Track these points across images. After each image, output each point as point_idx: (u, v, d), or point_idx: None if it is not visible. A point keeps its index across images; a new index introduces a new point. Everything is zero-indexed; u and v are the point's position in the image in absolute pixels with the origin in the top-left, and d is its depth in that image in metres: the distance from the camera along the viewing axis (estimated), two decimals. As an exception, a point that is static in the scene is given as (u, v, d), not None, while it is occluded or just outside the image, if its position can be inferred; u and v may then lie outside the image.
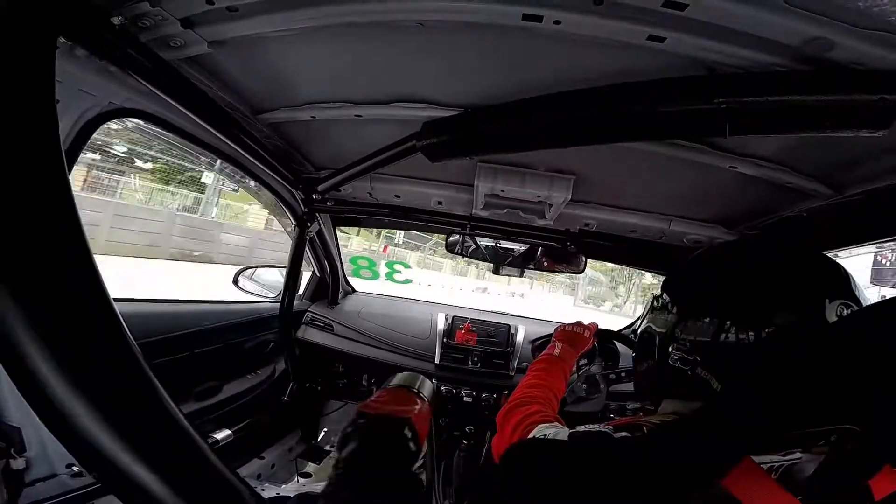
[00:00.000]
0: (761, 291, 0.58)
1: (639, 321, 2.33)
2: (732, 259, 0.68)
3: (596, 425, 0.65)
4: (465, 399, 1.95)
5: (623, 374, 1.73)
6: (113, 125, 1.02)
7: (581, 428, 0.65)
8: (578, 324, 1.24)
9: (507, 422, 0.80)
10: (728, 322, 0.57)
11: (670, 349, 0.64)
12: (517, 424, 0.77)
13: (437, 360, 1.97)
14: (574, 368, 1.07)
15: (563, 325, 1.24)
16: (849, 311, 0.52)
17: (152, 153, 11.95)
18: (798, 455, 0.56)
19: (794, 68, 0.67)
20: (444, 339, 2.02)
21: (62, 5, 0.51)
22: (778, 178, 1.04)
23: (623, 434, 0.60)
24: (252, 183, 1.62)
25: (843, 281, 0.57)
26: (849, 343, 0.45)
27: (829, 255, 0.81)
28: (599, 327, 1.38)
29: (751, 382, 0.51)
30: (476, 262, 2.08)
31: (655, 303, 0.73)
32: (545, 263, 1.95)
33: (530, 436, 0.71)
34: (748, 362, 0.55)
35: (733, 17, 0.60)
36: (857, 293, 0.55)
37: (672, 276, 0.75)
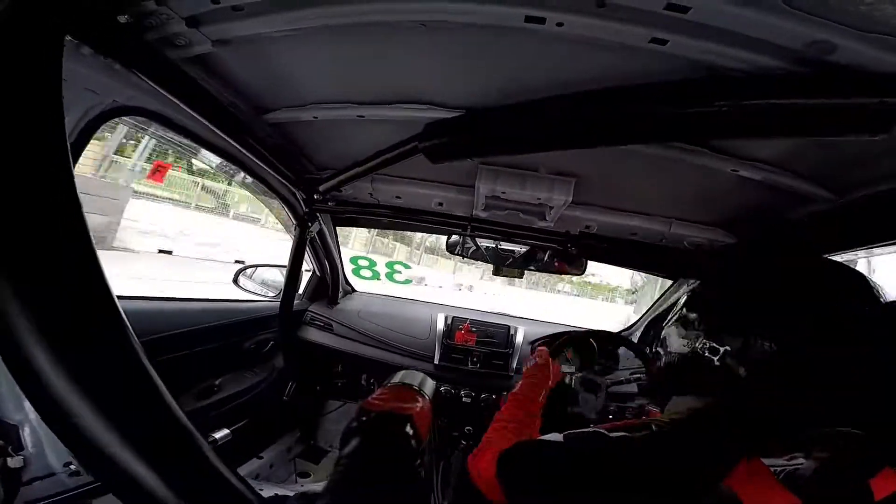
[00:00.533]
0: (786, 299, 0.57)
1: (641, 322, 2.33)
2: (759, 268, 0.68)
3: (589, 428, 0.65)
4: (464, 399, 1.95)
5: (623, 379, 1.73)
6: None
7: (574, 431, 0.65)
8: (539, 353, 1.27)
9: (480, 458, 0.78)
10: (756, 334, 0.57)
11: (698, 344, 0.64)
12: (490, 451, 0.76)
13: (436, 361, 1.97)
14: (541, 398, 1.08)
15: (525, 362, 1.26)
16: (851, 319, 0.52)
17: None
18: (800, 461, 0.56)
19: (795, 71, 0.67)
20: (444, 340, 2.02)
21: (70, 4, 0.52)
22: (779, 181, 1.05)
23: (620, 434, 0.59)
24: (253, 182, 1.62)
25: (866, 290, 0.56)
26: (857, 346, 0.45)
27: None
28: (598, 330, 1.39)
29: (770, 381, 0.51)
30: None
31: (682, 314, 0.73)
32: (545, 265, 1.96)
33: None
34: (770, 367, 0.55)
35: (735, 20, 0.60)
36: (875, 295, 0.55)
37: (698, 289, 0.75)
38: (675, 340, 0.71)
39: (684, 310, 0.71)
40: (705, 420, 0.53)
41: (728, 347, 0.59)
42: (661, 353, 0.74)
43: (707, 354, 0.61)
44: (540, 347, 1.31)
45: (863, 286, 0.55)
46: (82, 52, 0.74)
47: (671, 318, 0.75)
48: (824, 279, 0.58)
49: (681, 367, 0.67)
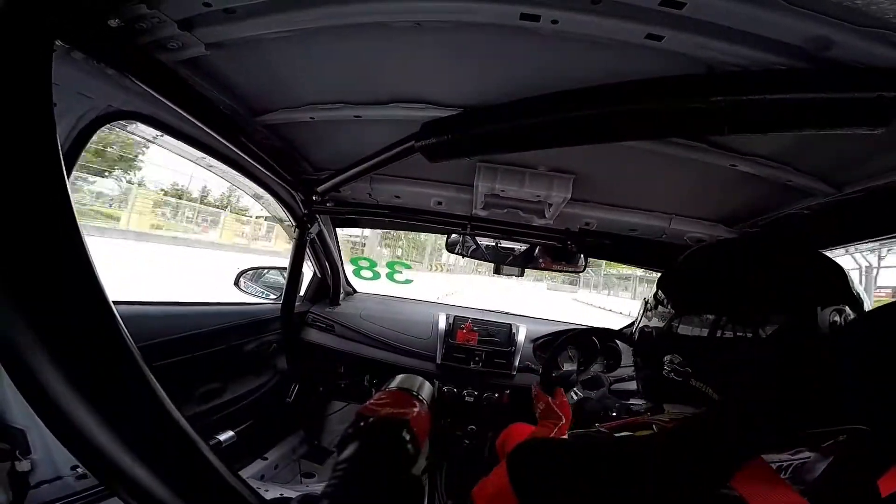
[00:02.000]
0: (759, 292, 0.56)
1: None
2: (729, 257, 0.66)
3: (593, 428, 0.65)
4: (466, 399, 1.95)
5: (626, 376, 1.73)
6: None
7: (579, 431, 0.65)
8: (536, 397, 1.22)
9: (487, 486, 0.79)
10: (723, 322, 0.55)
11: (664, 360, 0.62)
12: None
13: (438, 360, 1.97)
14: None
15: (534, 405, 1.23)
16: (843, 315, 0.52)
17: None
18: (807, 454, 0.55)
19: (793, 66, 0.67)
20: (446, 339, 2.02)
21: (58, 8, 0.51)
22: (778, 176, 1.04)
23: (624, 434, 0.59)
24: (251, 185, 1.62)
25: (842, 282, 0.55)
26: (854, 346, 0.44)
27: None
28: (598, 328, 1.38)
29: (751, 390, 0.50)
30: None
31: (651, 301, 0.71)
32: (545, 262, 1.96)
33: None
34: (745, 368, 0.53)
35: (731, 16, 0.60)
36: (855, 294, 0.54)
37: (666, 273, 0.72)
38: (646, 341, 0.69)
39: (658, 290, 0.69)
40: (705, 421, 0.53)
41: (689, 369, 0.57)
42: (639, 362, 0.72)
43: (673, 377, 0.60)
44: (535, 392, 1.24)
45: (843, 284, 0.54)
46: (74, 57, 0.74)
47: (644, 309, 0.73)
48: (800, 278, 0.57)
49: (655, 382, 0.66)
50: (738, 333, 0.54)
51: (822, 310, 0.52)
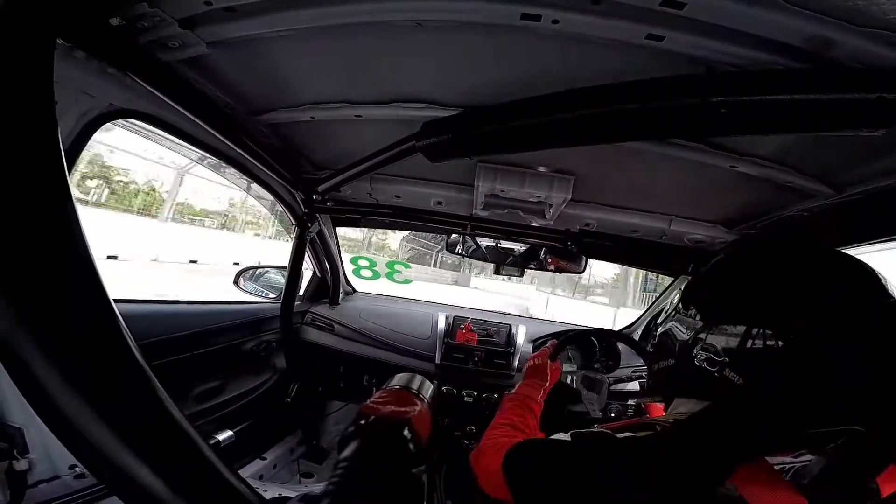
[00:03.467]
0: (787, 296, 0.56)
1: (642, 320, 2.33)
2: (757, 262, 0.65)
3: (594, 428, 0.65)
4: (466, 399, 1.95)
5: (625, 377, 1.73)
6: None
7: (581, 431, 0.65)
8: (539, 354, 1.32)
9: (482, 455, 0.80)
10: (756, 328, 0.55)
11: (695, 352, 0.62)
12: (493, 446, 0.77)
13: (437, 360, 1.96)
14: (540, 398, 1.11)
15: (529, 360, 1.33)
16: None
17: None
18: (808, 457, 0.55)
19: (793, 67, 0.67)
20: (445, 339, 2.02)
21: (60, 6, 0.51)
22: (778, 177, 1.04)
23: (626, 434, 0.59)
24: (252, 184, 1.62)
25: (876, 283, 0.54)
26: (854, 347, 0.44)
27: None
28: (598, 328, 1.39)
29: (773, 382, 0.50)
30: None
31: (679, 306, 0.71)
32: (545, 263, 1.96)
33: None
34: (774, 364, 0.53)
35: (732, 16, 0.60)
36: (890, 291, 0.53)
37: (696, 279, 0.72)
38: (671, 337, 0.69)
39: (681, 304, 0.70)
40: (708, 421, 0.53)
41: (726, 359, 0.57)
42: (658, 354, 0.73)
43: (706, 366, 0.60)
44: (544, 348, 1.33)
45: (874, 279, 0.54)
46: (75, 56, 0.74)
47: (667, 315, 0.74)
48: (834, 271, 0.56)
49: (677, 372, 0.66)
50: (767, 341, 0.54)
51: (835, 308, 0.51)
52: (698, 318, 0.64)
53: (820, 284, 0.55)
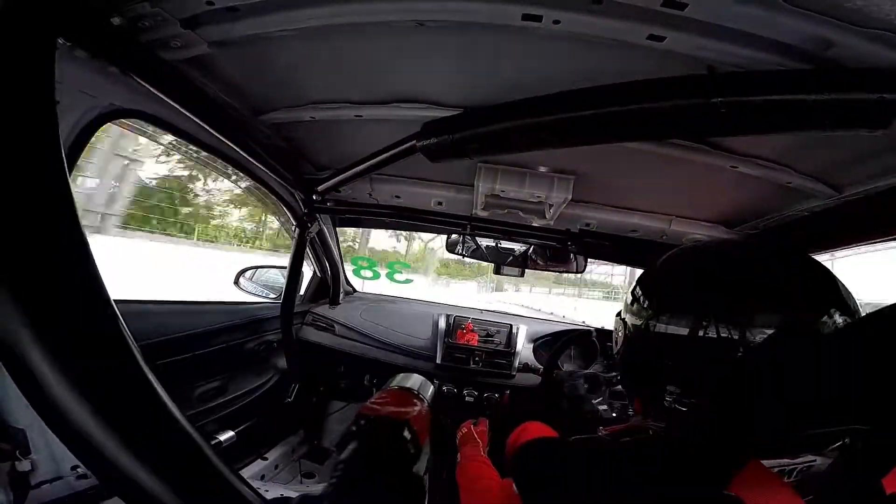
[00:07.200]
0: (751, 296, 0.54)
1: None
2: (717, 259, 0.63)
3: (597, 433, 0.65)
4: (466, 399, 1.95)
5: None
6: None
7: (581, 437, 0.64)
8: (465, 424, 1.20)
9: (465, 470, 0.79)
10: (707, 322, 0.53)
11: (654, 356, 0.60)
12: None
13: (438, 360, 1.96)
14: (482, 454, 1.03)
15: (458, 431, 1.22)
16: (843, 318, 0.51)
17: None
18: (811, 458, 0.55)
19: (794, 67, 0.67)
20: (446, 339, 2.02)
21: (61, 6, 0.51)
22: (778, 177, 1.04)
23: (626, 439, 0.59)
24: (252, 184, 1.62)
25: (833, 287, 0.54)
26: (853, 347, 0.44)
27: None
28: (599, 328, 1.38)
29: (741, 395, 0.49)
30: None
31: (629, 299, 0.68)
32: (545, 263, 1.96)
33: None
34: (728, 373, 0.52)
35: (733, 17, 0.60)
36: (845, 298, 0.53)
37: (645, 274, 0.69)
38: (621, 333, 0.67)
39: (637, 288, 0.67)
40: (697, 425, 0.53)
41: (674, 388, 0.55)
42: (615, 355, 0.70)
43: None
44: (469, 422, 1.22)
45: (834, 292, 0.53)
46: (77, 55, 0.74)
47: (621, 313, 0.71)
48: (796, 276, 0.55)
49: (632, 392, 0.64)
50: (722, 336, 0.53)
51: (815, 315, 0.51)
52: (648, 306, 0.62)
53: (789, 282, 0.55)
